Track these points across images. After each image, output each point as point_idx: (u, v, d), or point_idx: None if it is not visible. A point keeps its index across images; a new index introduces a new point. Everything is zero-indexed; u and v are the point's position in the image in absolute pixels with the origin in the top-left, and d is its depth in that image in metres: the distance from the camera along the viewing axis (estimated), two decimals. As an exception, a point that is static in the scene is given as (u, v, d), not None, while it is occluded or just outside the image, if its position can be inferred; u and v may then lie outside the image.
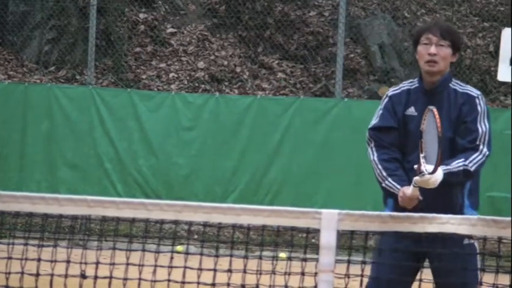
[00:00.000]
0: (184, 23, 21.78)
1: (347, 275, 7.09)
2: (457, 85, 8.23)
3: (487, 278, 7.35)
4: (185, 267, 7.47)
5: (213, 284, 7.25)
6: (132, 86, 19.90)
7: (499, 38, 16.62)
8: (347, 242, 7.10)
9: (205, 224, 7.17)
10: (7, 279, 7.40)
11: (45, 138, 17.23)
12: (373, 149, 8.16)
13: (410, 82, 8.35)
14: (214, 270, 7.34)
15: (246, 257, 7.66)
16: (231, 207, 7.44)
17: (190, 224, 7.38)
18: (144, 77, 20.86)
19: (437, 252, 7.77)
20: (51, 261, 7.47)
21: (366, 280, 8.24)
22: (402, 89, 8.28)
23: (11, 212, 7.24)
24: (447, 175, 7.74)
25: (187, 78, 20.99)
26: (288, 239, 15.45)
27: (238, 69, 21.22)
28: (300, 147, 16.97)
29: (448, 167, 7.76)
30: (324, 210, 6.63)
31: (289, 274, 7.48)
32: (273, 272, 7.33)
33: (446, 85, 8.19)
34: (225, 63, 21.36)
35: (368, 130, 8.26)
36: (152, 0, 21.79)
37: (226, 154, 17.04)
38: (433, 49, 8.12)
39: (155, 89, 20.09)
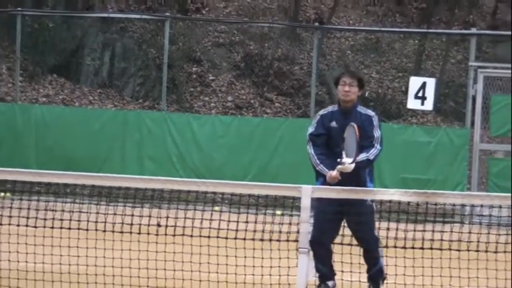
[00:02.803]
0: (220, 73, 21.79)
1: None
2: (361, 109, 8.19)
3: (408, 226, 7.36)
4: (220, 219, 7.48)
5: (237, 230, 7.25)
6: (188, 111, 19.91)
7: (407, 82, 16.60)
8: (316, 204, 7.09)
9: (232, 194, 7.18)
10: (113, 226, 7.41)
11: (136, 144, 17.18)
12: (311, 146, 8.07)
13: (332, 107, 8.29)
14: (237, 221, 7.34)
15: (256, 214, 7.66)
16: (247, 184, 7.46)
17: (223, 193, 7.37)
18: (195, 106, 20.86)
19: (350, 210, 7.75)
20: (139, 216, 7.49)
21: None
22: (328, 111, 8.22)
23: (116, 186, 7.26)
24: (358, 163, 7.76)
25: (221, 106, 20.99)
26: (281, 203, 15.42)
27: (252, 101, 21.21)
28: (288, 148, 16.92)
29: (358, 158, 7.77)
30: (303, 186, 6.63)
31: (283, 224, 7.48)
32: (273, 223, 7.34)
33: (355, 109, 8.13)
34: (244, 97, 21.34)
35: (308, 135, 8.16)
36: (200, 59, 21.81)
37: (244, 152, 16.98)
38: (347, 88, 8.08)
39: (202, 113, 20.07)
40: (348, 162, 7.71)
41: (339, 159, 7.75)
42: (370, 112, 8.22)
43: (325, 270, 8.05)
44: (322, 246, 7.97)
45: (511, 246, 7.24)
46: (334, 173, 7.74)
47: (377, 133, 8.06)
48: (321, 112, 8.28)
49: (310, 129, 8.16)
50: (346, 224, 8.07)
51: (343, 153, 7.78)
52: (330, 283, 8.08)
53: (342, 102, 8.16)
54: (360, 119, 8.02)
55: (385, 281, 8.16)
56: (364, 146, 7.89)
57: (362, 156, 7.83)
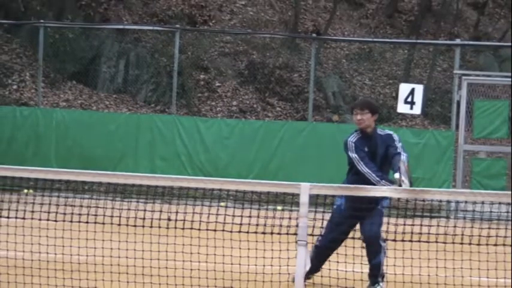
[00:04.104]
0: (225, 80, 21.76)
1: (314, 219, 7.07)
2: (380, 131, 8.31)
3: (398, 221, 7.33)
4: (225, 214, 7.46)
5: (241, 224, 7.23)
6: (196, 115, 19.87)
7: (397, 88, 16.56)
8: (314, 200, 7.07)
9: (236, 190, 7.13)
10: (127, 220, 7.39)
11: (148, 144, 17.17)
12: (363, 165, 8.06)
13: (357, 133, 8.26)
14: (241, 216, 7.32)
15: (258, 209, 7.64)
16: (250, 182, 7.42)
17: (228, 190, 7.32)
18: (203, 110, 20.82)
19: (366, 215, 7.86)
20: (151, 211, 7.47)
21: (325, 222, 8.22)
22: (356, 137, 8.18)
23: (130, 184, 7.23)
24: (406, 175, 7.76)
25: (227, 110, 20.97)
26: (282, 199, 15.37)
27: (254, 106, 21.18)
28: (288, 149, 16.90)
29: (405, 173, 7.75)
30: (302, 183, 6.60)
31: (283, 218, 7.46)
32: (273, 217, 7.32)
33: (375, 132, 8.24)
34: (247, 102, 21.30)
35: (355, 157, 8.08)
36: (207, 67, 21.78)
37: (247, 152, 16.95)
38: (359, 116, 8.18)
39: (209, 117, 20.05)
40: (406, 184, 7.67)
41: (397, 175, 7.70)
42: (388, 131, 8.38)
43: (318, 265, 8.24)
44: (328, 252, 8.24)
45: (495, 239, 7.22)
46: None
47: (399, 145, 8.16)
48: (351, 139, 8.20)
49: (353, 154, 8.11)
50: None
51: (403, 177, 7.71)
52: (311, 276, 8.31)
53: (361, 129, 8.24)
54: (382, 140, 8.19)
55: (384, 279, 8.12)
56: (392, 153, 8.03)
57: (404, 171, 7.80)
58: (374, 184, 7.83)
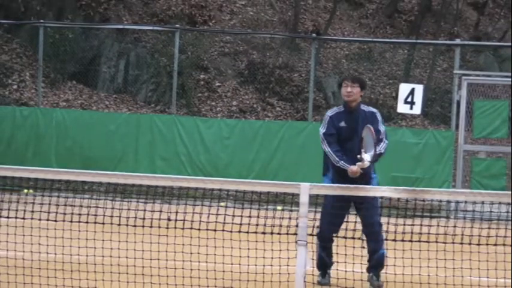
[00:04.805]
0: (225, 80, 21.75)
1: (314, 219, 7.07)
2: (364, 107, 8.27)
3: (398, 221, 7.33)
4: (225, 214, 7.46)
5: (241, 224, 7.23)
6: (196, 115, 19.87)
7: (397, 88, 16.55)
8: (314, 200, 7.07)
9: (236, 190, 7.13)
10: (127, 220, 7.39)
11: (148, 144, 17.15)
12: (327, 145, 8.13)
13: (338, 108, 8.30)
14: (241, 216, 7.32)
15: (258, 209, 7.64)
16: (250, 182, 7.41)
17: (228, 190, 7.31)
18: (203, 110, 20.82)
19: (360, 202, 7.85)
20: (151, 211, 7.47)
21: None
22: (335, 112, 8.24)
23: (130, 184, 7.23)
24: (372, 158, 7.77)
25: (227, 110, 20.96)
26: (282, 199, 15.37)
27: (254, 105, 21.18)
28: (288, 149, 16.90)
29: (372, 155, 7.79)
30: (301, 183, 6.60)
31: (283, 218, 7.46)
32: (273, 217, 7.31)
33: (358, 108, 8.19)
34: (248, 102, 21.30)
35: (321, 134, 8.19)
36: (207, 67, 21.77)
37: (247, 152, 16.94)
38: (349, 89, 8.17)
39: (209, 116, 20.04)
40: (367, 159, 7.75)
41: (358, 156, 7.80)
42: (373, 109, 8.31)
43: (328, 260, 8.23)
44: (330, 240, 8.15)
45: (495, 238, 7.22)
46: (355, 168, 7.82)
47: (382, 128, 8.16)
48: (329, 113, 8.28)
49: (322, 130, 8.21)
50: (354, 211, 8.11)
51: (362, 151, 7.80)
52: (329, 271, 8.25)
53: (347, 103, 8.21)
54: (364, 116, 8.13)
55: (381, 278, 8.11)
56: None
57: (375, 152, 7.86)
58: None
